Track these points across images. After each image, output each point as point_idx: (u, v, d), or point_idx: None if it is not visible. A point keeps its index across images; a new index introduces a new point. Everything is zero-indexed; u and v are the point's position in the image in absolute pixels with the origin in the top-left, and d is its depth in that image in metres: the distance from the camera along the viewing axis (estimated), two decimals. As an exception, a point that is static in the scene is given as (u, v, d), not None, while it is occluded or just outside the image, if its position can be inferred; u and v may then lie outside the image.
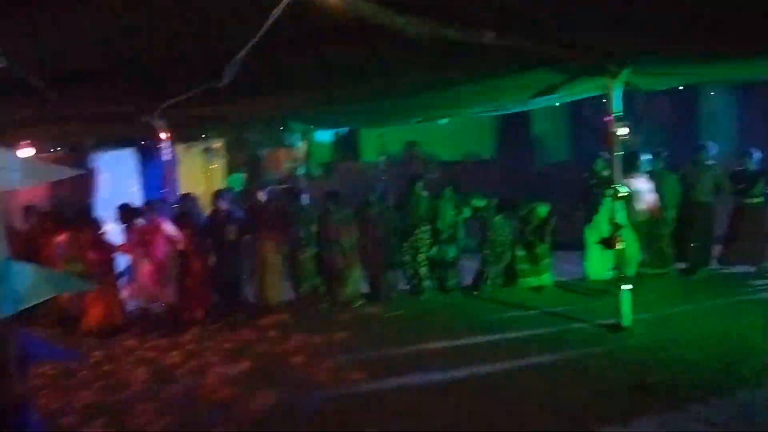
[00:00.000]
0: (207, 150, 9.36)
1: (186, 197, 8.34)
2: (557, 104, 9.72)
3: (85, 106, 2.96)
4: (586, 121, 11.18)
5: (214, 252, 7.78)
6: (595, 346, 5.69)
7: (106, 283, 7.33)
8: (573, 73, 5.99)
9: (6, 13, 2.15)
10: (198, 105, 3.48)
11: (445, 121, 10.78)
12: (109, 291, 7.45)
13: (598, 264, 7.60)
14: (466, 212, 8.22)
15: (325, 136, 12.08)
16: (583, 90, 7.03)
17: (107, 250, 7.52)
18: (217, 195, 8.05)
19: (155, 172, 9.42)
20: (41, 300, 1.98)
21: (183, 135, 9.03)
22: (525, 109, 9.55)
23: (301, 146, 10.55)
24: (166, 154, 8.63)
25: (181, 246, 7.41)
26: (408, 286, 8.23)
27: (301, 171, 11.01)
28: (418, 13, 3.20)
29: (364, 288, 8.12)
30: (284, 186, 12.07)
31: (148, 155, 9.64)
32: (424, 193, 8.18)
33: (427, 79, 6.13)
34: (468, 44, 3.87)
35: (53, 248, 7.47)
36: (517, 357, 5.61)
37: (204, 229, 7.83)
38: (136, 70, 3.47)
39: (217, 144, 9.41)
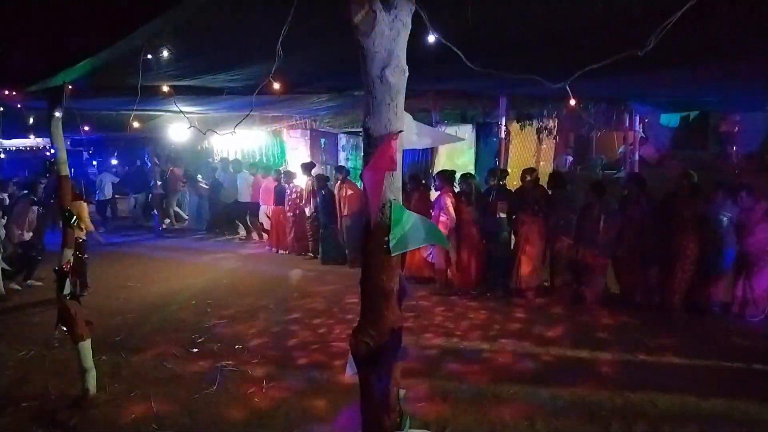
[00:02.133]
0: (540, 129, 9.46)
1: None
2: None
3: (503, 75, 3.17)
4: None
5: (483, 227, 8.03)
6: None
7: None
8: None
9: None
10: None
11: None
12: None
13: None
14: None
15: (669, 119, 11.00)
16: None
17: (426, 212, 8.39)
18: (489, 172, 8.37)
19: (489, 149, 9.95)
20: (416, 246, 2.33)
21: (519, 113, 9.29)
22: None
23: (639, 129, 9.84)
24: (500, 131, 9.03)
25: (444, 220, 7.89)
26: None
27: (634, 156, 10.30)
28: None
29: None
30: (614, 171, 11.52)
31: (484, 132, 10.21)
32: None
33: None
34: None
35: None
36: None
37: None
38: (550, 41, 3.61)
39: (551, 123, 9.42)
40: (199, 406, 4.95)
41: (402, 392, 2.47)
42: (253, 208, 13.03)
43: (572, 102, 3.86)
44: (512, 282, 7.91)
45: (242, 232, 13.71)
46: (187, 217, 16.04)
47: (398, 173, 2.16)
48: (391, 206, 2.13)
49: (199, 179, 15.20)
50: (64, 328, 5.43)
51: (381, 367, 2.29)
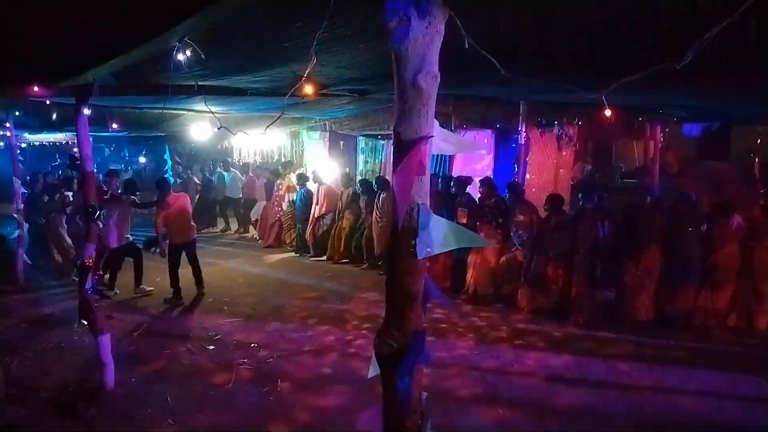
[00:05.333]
0: (560, 136, 9.40)
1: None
2: None
3: (531, 80, 3.11)
4: None
5: None
6: None
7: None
8: None
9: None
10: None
11: None
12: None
13: None
14: None
15: (691, 129, 10.89)
16: None
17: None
18: (509, 188, 8.29)
19: (508, 155, 9.92)
20: (443, 250, 2.34)
21: (539, 120, 9.25)
22: None
23: (659, 139, 9.73)
24: (521, 137, 9.01)
25: None
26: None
27: (654, 165, 10.19)
28: None
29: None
30: (631, 181, 11.42)
31: (504, 137, 10.18)
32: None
33: None
34: None
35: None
36: None
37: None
38: (585, 46, 3.57)
39: (571, 130, 9.35)
40: (215, 403, 5.00)
41: (424, 395, 2.48)
42: (242, 203, 14.38)
43: (607, 112, 3.83)
44: (469, 288, 8.04)
45: (234, 226, 14.82)
46: None
47: (427, 178, 2.18)
48: (419, 210, 2.15)
49: (194, 177, 15.74)
50: (85, 322, 5.53)
51: (404, 369, 2.30)
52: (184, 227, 8.18)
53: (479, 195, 8.34)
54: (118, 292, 8.44)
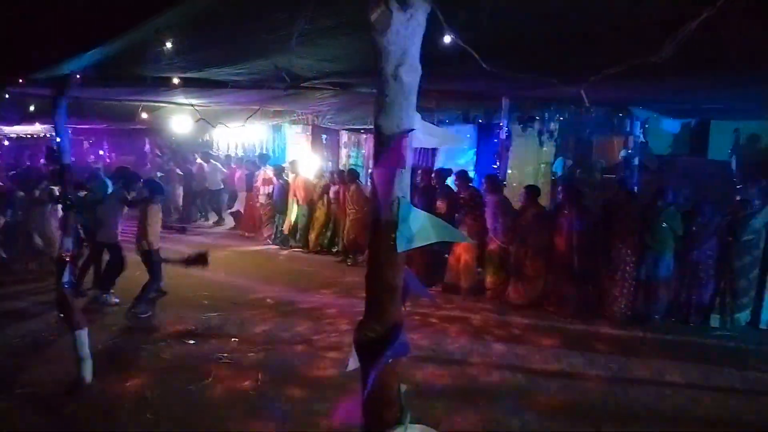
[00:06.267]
0: (541, 132, 9.48)
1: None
2: None
3: (517, 76, 3.11)
4: None
5: None
6: None
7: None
8: None
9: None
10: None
11: None
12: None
13: None
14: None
15: (671, 126, 11.04)
16: None
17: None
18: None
19: (490, 150, 9.97)
20: (425, 244, 2.35)
21: (521, 115, 9.31)
22: None
23: (639, 135, 9.86)
24: (502, 133, 9.05)
25: None
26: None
27: (633, 162, 10.32)
28: None
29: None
30: (610, 176, 11.54)
31: (486, 132, 10.23)
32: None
33: None
34: None
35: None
36: None
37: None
38: (567, 40, 3.59)
39: (553, 126, 9.45)
40: (194, 397, 4.97)
41: (403, 387, 2.49)
42: (223, 194, 14.65)
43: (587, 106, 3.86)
44: (451, 281, 8.12)
45: (213, 217, 14.85)
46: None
47: (408, 171, 2.18)
48: (399, 203, 2.16)
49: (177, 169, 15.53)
50: (62, 316, 5.46)
51: (383, 362, 2.31)
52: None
53: (456, 188, 8.40)
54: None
